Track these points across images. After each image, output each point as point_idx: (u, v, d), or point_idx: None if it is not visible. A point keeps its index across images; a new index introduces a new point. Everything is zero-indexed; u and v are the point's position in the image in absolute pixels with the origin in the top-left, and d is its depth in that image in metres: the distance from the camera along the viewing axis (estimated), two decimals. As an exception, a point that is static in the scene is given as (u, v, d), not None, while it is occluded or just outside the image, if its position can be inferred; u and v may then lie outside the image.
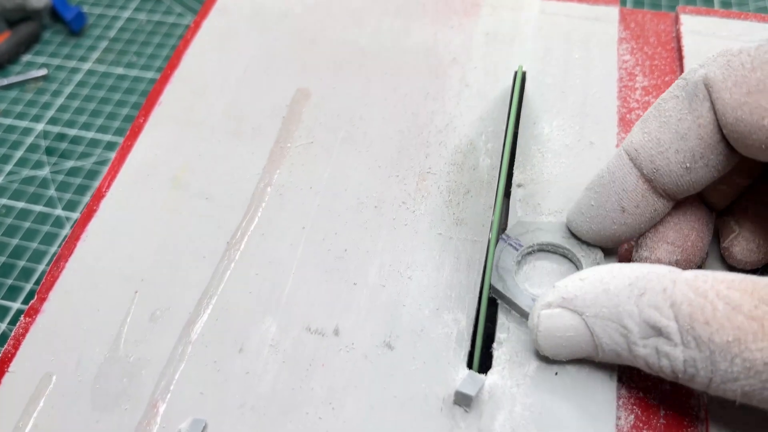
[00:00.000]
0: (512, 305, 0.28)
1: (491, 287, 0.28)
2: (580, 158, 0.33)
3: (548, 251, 0.30)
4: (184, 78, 0.38)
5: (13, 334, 0.29)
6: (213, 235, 0.31)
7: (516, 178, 0.32)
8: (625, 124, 0.34)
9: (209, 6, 0.42)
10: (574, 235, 0.29)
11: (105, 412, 0.26)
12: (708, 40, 0.37)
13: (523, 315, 0.27)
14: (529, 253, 0.30)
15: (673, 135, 0.24)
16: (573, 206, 0.28)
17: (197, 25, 0.41)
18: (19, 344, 0.28)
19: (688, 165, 0.24)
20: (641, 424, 0.25)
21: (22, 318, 0.29)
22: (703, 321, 0.20)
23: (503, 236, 0.29)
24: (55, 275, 0.30)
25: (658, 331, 0.21)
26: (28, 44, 0.60)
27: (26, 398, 0.27)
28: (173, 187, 0.33)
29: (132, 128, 0.36)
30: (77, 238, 0.32)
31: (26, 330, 0.29)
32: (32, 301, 0.30)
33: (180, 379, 0.27)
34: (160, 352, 0.28)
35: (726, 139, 0.23)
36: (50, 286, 0.30)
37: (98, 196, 0.33)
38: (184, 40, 0.40)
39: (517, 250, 0.29)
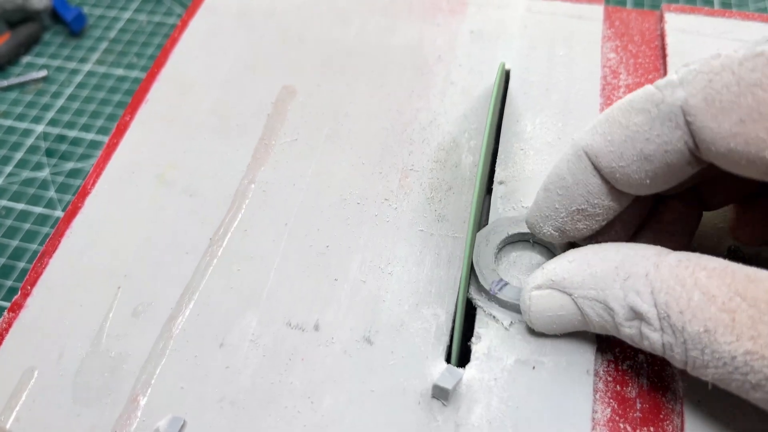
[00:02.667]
0: (500, 302, 0.28)
1: (476, 293, 0.28)
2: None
3: (526, 240, 0.30)
4: (170, 76, 0.39)
5: (-4, 329, 0.29)
6: (196, 231, 0.32)
7: (498, 175, 0.32)
8: (608, 121, 0.34)
9: (197, 5, 0.43)
10: None
11: (86, 406, 0.27)
12: (692, 38, 0.37)
13: (511, 308, 0.28)
14: (508, 245, 0.30)
15: (638, 153, 0.22)
16: (533, 208, 0.27)
17: (184, 24, 0.41)
18: (2, 339, 0.29)
19: (648, 182, 0.23)
20: (617, 418, 0.25)
21: (5, 313, 0.29)
22: (677, 310, 0.21)
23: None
24: (38, 271, 0.31)
25: (640, 315, 0.22)
26: (28, 45, 0.60)
27: (8, 392, 0.27)
28: (158, 184, 0.34)
29: (118, 126, 0.36)
30: (62, 235, 0.32)
31: (9, 325, 0.29)
32: (16, 297, 0.30)
33: (161, 373, 0.27)
34: (142, 346, 0.28)
35: (697, 160, 0.22)
36: (34, 281, 0.30)
37: (83, 193, 0.33)
38: (172, 39, 0.40)
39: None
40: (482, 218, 0.32)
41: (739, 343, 0.19)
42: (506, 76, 0.37)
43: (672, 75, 0.22)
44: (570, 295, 0.24)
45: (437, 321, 0.28)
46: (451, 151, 0.34)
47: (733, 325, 0.20)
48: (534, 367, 0.26)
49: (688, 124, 0.21)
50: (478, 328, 0.27)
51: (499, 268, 0.29)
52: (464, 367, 0.26)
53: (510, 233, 0.29)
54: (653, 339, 0.22)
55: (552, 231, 0.26)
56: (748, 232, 0.27)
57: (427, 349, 0.27)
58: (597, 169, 0.24)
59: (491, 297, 0.28)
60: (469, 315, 0.28)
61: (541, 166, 0.33)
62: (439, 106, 0.36)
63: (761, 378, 0.19)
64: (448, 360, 0.27)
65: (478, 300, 0.28)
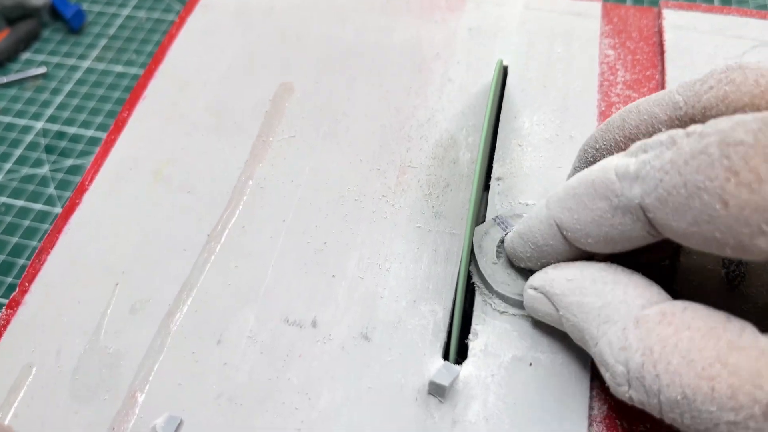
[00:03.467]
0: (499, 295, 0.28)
1: (477, 275, 0.28)
2: (560, 152, 0.33)
3: None
4: (168, 73, 0.39)
5: (-6, 325, 0.29)
6: (194, 228, 0.32)
7: (495, 171, 0.32)
8: (605, 118, 0.34)
9: (194, 2, 0.43)
10: None
11: (84, 403, 0.27)
12: (690, 35, 0.37)
13: (506, 300, 0.28)
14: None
15: (603, 235, 0.22)
16: (509, 244, 0.27)
17: (182, 21, 0.41)
18: (0, 336, 0.29)
19: (618, 251, 0.23)
20: (614, 414, 0.25)
21: (3, 310, 0.29)
22: (654, 374, 0.19)
23: (494, 218, 0.30)
24: (36, 267, 0.31)
25: (608, 368, 0.21)
26: (27, 42, 0.60)
27: (6, 389, 0.27)
28: (155, 180, 0.34)
29: (116, 123, 0.36)
30: (59, 231, 0.32)
31: (7, 321, 0.29)
32: (14, 293, 0.30)
33: (159, 370, 0.27)
34: (140, 343, 0.28)
35: (661, 236, 0.21)
36: (32, 278, 0.30)
37: (81, 190, 0.33)
38: (169, 36, 0.40)
39: (504, 230, 0.29)
40: (480, 215, 0.32)
41: (721, 414, 0.18)
42: (504, 72, 0.37)
43: (630, 161, 0.21)
44: (557, 310, 0.24)
45: (435, 318, 0.28)
46: (449, 147, 0.34)
47: (712, 395, 0.18)
48: (531, 364, 0.26)
49: (647, 218, 0.20)
50: (476, 325, 0.27)
51: (500, 261, 0.29)
52: (461, 363, 0.27)
53: (511, 226, 0.30)
54: (622, 391, 0.21)
55: (528, 264, 0.27)
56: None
57: (424, 346, 0.27)
58: (566, 238, 0.24)
59: (491, 289, 0.28)
60: (466, 312, 0.28)
61: (539, 163, 0.33)
62: (437, 103, 0.36)
63: None
64: (445, 357, 0.27)
65: (479, 286, 0.28)
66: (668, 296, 0.22)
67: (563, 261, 0.25)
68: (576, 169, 0.28)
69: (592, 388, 0.26)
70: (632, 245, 0.22)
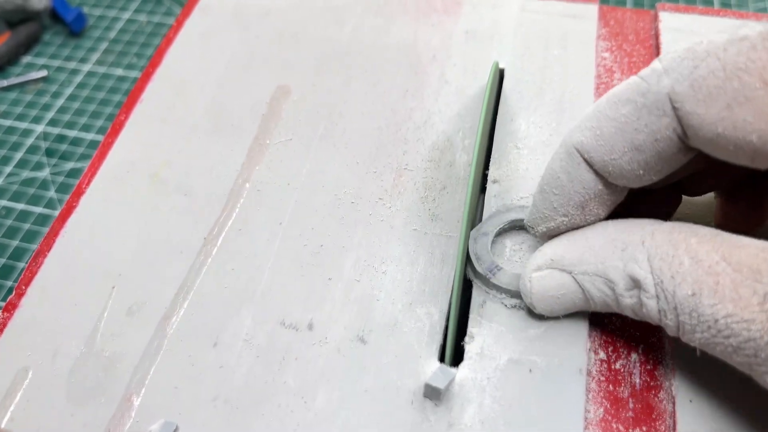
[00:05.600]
0: (495, 287, 0.28)
1: (474, 276, 0.28)
2: (556, 154, 0.33)
3: (521, 227, 0.30)
4: (165, 76, 0.39)
5: (-10, 328, 0.29)
6: (191, 230, 0.32)
7: (491, 174, 0.32)
8: (602, 120, 0.34)
9: (192, 4, 0.43)
10: None
11: (80, 406, 0.27)
12: (686, 37, 0.37)
13: (508, 293, 0.28)
14: (504, 233, 0.30)
15: (628, 145, 0.22)
16: (531, 210, 0.27)
17: (180, 24, 0.41)
18: (-3, 339, 0.29)
19: (642, 172, 0.23)
20: (610, 417, 0.25)
21: (0, 313, 0.29)
22: (670, 275, 0.21)
23: (474, 231, 0.29)
24: (33, 270, 0.31)
25: (638, 283, 0.22)
26: (28, 45, 0.60)
27: (2, 392, 0.27)
28: (152, 183, 0.34)
29: (113, 126, 0.36)
30: (56, 234, 0.32)
31: (4, 324, 0.29)
32: (10, 297, 0.30)
33: (155, 373, 0.27)
34: (136, 346, 0.28)
35: (687, 148, 0.22)
36: (29, 281, 0.30)
37: (78, 193, 0.33)
38: (167, 39, 0.41)
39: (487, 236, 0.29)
40: (476, 217, 0.32)
41: (721, 306, 0.20)
42: (500, 75, 0.37)
43: (656, 63, 0.22)
44: (570, 272, 0.24)
45: (431, 320, 0.28)
46: (446, 150, 0.34)
47: (716, 288, 0.20)
48: (528, 368, 0.26)
49: (675, 110, 0.21)
50: (471, 328, 0.27)
51: (496, 257, 0.29)
52: (457, 366, 0.27)
53: (505, 221, 0.29)
54: (650, 306, 0.22)
55: (546, 230, 0.26)
56: (731, 223, 0.28)
57: (420, 349, 0.27)
58: (589, 164, 0.24)
59: (489, 283, 0.28)
60: (462, 314, 0.28)
61: (535, 165, 0.33)
62: (433, 106, 0.36)
63: (741, 341, 0.20)
64: (441, 359, 0.27)
65: (478, 281, 0.28)
66: None
67: (588, 216, 0.25)
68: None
69: (588, 391, 0.26)
70: (657, 159, 0.22)
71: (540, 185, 0.26)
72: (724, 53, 0.20)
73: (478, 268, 0.28)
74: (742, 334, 0.20)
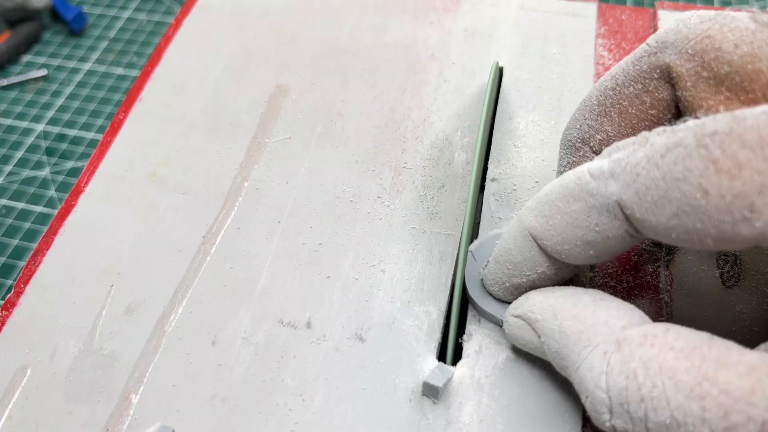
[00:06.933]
0: (484, 314, 0.28)
1: (469, 297, 0.28)
2: (555, 153, 0.33)
3: None
4: (164, 75, 0.39)
5: (-11, 327, 0.29)
6: (189, 229, 0.32)
7: (490, 172, 0.32)
8: (601, 118, 0.34)
9: (191, 3, 0.43)
10: None
11: (78, 404, 0.27)
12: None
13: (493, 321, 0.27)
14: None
15: (580, 239, 0.22)
16: (486, 274, 0.27)
17: (178, 23, 0.41)
18: (-5, 337, 0.29)
19: (595, 258, 0.22)
20: (608, 415, 0.25)
21: (-2, 311, 0.29)
22: (638, 398, 0.19)
23: (470, 250, 0.29)
24: (32, 269, 0.31)
25: (587, 393, 0.20)
26: (28, 44, 0.60)
27: (1, 390, 0.27)
28: (151, 182, 0.34)
29: (112, 124, 0.36)
30: (55, 233, 0.32)
31: (2, 323, 0.29)
32: (9, 295, 0.30)
33: (153, 371, 0.27)
34: (135, 344, 0.28)
35: (639, 235, 0.21)
36: (27, 279, 0.30)
37: (77, 192, 0.33)
38: (165, 38, 0.41)
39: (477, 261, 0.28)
40: (475, 215, 0.32)
41: None
42: (499, 73, 0.37)
43: (604, 162, 0.21)
44: (538, 337, 0.24)
45: (429, 318, 0.28)
46: (444, 148, 0.34)
47: (702, 416, 0.17)
48: (526, 365, 0.26)
49: (625, 216, 0.20)
50: (470, 326, 0.27)
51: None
52: (455, 364, 0.27)
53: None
54: (601, 420, 0.20)
55: (507, 296, 0.26)
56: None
57: (418, 347, 0.27)
58: (542, 249, 0.23)
59: (477, 307, 0.28)
60: (460, 312, 0.28)
61: (534, 163, 0.33)
62: (432, 104, 0.36)
63: None
64: (440, 358, 0.27)
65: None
66: (650, 320, 0.21)
67: (542, 283, 0.25)
68: (561, 159, 0.28)
69: (586, 389, 0.26)
70: (610, 251, 0.22)
71: (495, 256, 0.26)
72: (662, 160, 0.19)
73: (471, 293, 0.28)
74: None
